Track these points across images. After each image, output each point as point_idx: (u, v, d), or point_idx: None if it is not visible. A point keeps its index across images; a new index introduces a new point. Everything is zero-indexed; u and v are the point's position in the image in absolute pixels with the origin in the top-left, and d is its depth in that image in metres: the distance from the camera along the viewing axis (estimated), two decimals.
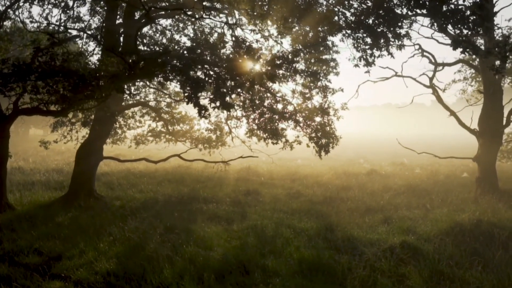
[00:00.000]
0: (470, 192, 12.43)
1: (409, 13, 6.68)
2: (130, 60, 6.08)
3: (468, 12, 6.06)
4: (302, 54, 11.84)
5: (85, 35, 13.40)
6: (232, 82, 6.93)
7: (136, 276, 6.01)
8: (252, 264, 6.29)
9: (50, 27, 14.09)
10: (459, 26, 6.28)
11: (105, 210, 10.37)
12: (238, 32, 15.79)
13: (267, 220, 9.68)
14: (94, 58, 15.58)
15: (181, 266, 6.20)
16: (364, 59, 8.47)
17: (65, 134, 15.53)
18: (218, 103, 6.08)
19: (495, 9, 12.60)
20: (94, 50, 14.17)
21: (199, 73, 6.97)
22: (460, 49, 6.54)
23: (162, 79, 7.62)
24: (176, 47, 13.22)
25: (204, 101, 7.93)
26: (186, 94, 5.83)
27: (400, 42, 7.87)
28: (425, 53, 14.77)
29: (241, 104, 13.37)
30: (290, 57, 10.89)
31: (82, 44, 14.53)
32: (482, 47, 13.30)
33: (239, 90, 7.09)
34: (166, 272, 5.97)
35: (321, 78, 12.08)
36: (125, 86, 8.76)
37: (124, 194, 12.73)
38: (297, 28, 11.71)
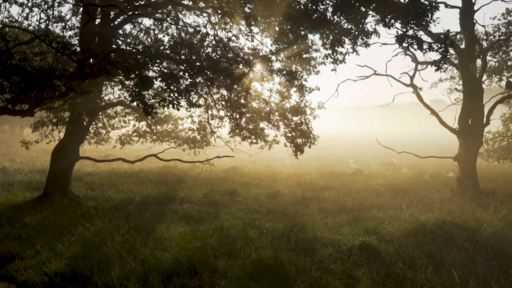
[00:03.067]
0: (450, 192, 12.27)
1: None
2: (77, 58, 6.00)
3: (406, 7, 5.93)
4: (282, 53, 11.77)
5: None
6: (191, 80, 6.84)
7: (83, 277, 5.94)
8: (203, 266, 6.18)
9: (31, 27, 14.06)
10: (400, 20, 6.15)
11: (77, 211, 10.29)
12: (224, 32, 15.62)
13: (238, 220, 9.58)
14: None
15: (130, 267, 6.11)
16: (331, 57, 8.34)
17: (47, 134, 15.49)
18: (167, 102, 6.01)
19: (476, 7, 12.47)
20: (75, 47, 14.14)
21: (156, 70, 6.88)
22: (405, 44, 6.43)
23: (123, 77, 7.52)
24: (159, 46, 13.17)
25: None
26: (129, 93, 5.77)
27: (365, 39, 7.73)
28: (408, 52, 14.66)
29: (224, 103, 13.36)
30: (268, 55, 10.83)
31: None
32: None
33: (193, 89, 6.98)
34: (113, 273, 5.88)
35: (298, 77, 11.99)
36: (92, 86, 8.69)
37: (102, 195, 12.66)
38: (277, 27, 11.62)
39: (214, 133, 15.44)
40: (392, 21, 6.20)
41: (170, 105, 5.96)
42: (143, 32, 16.83)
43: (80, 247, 7.21)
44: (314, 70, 13.94)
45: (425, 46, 6.30)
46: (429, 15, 5.85)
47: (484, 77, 17.18)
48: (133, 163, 12.82)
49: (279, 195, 12.70)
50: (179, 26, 16.00)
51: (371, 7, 6.43)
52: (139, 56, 6.80)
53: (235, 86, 10.96)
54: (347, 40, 7.70)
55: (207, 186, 14.64)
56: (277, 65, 12.20)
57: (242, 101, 12.67)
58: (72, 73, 6.69)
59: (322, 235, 7.87)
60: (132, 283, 5.63)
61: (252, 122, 12.93)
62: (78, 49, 9.59)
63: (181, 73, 6.49)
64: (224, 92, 12.89)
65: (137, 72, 5.78)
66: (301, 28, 8.11)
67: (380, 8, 6.20)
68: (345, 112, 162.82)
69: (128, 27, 16.82)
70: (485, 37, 14.97)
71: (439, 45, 6.20)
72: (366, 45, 7.87)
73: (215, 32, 14.20)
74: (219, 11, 8.62)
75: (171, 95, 5.98)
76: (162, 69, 7.00)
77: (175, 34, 15.86)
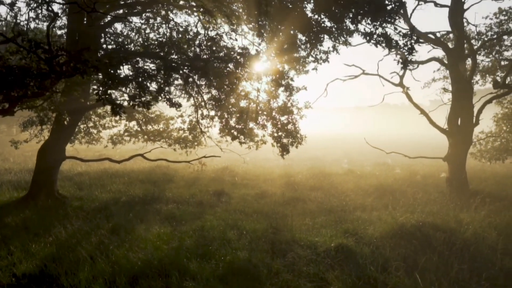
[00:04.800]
0: (439, 193, 12.13)
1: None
2: (44, 57, 5.92)
3: (368, 4, 5.82)
4: (271, 52, 11.69)
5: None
6: (166, 79, 6.75)
7: (51, 279, 5.86)
8: (174, 267, 6.10)
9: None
10: (367, 17, 6.03)
11: (60, 211, 10.23)
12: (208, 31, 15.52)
13: (220, 221, 9.49)
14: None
15: (100, 269, 6.03)
16: (312, 56, 8.24)
17: (36, 133, 15.47)
18: (137, 101, 5.93)
19: (465, 6, 12.33)
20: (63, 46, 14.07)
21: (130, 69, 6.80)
22: (373, 42, 6.31)
23: (101, 77, 7.44)
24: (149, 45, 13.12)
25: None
26: (96, 92, 5.67)
27: (346, 38, 7.61)
28: (398, 52, 14.50)
29: (213, 103, 13.30)
30: (248, 53, 10.77)
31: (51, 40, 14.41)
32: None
33: (167, 88, 6.90)
34: (81, 275, 5.80)
35: (285, 76, 11.91)
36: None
37: (89, 195, 12.60)
38: (268, 27, 11.52)
39: (204, 133, 15.36)
40: (359, 17, 6.09)
41: (141, 105, 5.88)
42: (134, 31, 16.76)
43: (54, 248, 7.14)
44: (303, 69, 13.84)
45: (393, 44, 6.19)
46: (393, 10, 5.72)
47: (478, 77, 17.04)
48: (120, 162, 12.75)
49: (267, 196, 12.61)
50: (170, 26, 15.93)
51: (340, 2, 6.30)
52: (113, 55, 6.72)
53: (217, 85, 10.89)
54: (327, 38, 7.59)
55: (196, 186, 14.57)
56: (265, 65, 12.16)
57: (232, 100, 12.64)
58: (44, 73, 6.61)
59: (301, 236, 7.77)
60: (99, 285, 5.55)
61: (242, 121, 12.85)
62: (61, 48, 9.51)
63: (154, 72, 6.40)
64: (214, 91, 12.84)
65: (105, 72, 5.69)
66: (281, 26, 8.00)
67: (347, 4, 6.08)
68: (348, 113, 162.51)
69: (119, 26, 16.79)
70: (477, 37, 14.82)
71: (404, 43, 6.09)
72: (347, 43, 7.75)
73: (205, 32, 14.13)
74: (201, 9, 8.51)
75: (142, 94, 5.89)
76: (138, 67, 6.91)
77: (166, 33, 15.81)
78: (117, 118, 16.26)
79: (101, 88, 5.58)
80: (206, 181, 15.92)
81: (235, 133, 12.56)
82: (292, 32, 11.07)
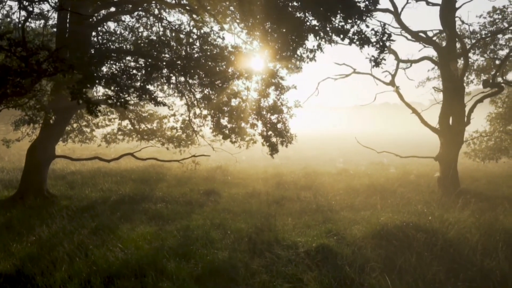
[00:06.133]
0: (430, 193, 12.07)
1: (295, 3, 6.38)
2: (20, 55, 5.88)
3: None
4: (263, 51, 11.65)
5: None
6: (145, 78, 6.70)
7: (27, 278, 5.83)
8: (151, 267, 6.06)
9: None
10: (336, 16, 5.97)
11: (48, 210, 10.20)
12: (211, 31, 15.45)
13: (207, 220, 9.44)
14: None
15: (77, 268, 6.00)
16: (298, 55, 8.17)
17: (28, 132, 15.46)
18: (115, 100, 5.88)
19: (457, 5, 12.24)
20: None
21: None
22: (347, 40, 6.24)
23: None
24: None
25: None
26: (70, 91, 5.63)
27: (330, 37, 7.52)
28: (391, 50, 14.42)
29: (206, 102, 13.27)
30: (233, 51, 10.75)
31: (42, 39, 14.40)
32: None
33: (150, 87, 6.85)
34: (56, 275, 5.77)
35: (275, 75, 11.87)
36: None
37: (79, 194, 12.57)
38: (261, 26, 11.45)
39: (197, 132, 15.31)
40: (332, 16, 6.02)
41: (118, 103, 5.83)
42: (128, 30, 16.68)
43: (35, 247, 7.11)
44: (295, 68, 13.76)
45: (366, 41, 6.11)
46: (367, 7, 5.63)
47: (473, 76, 16.94)
48: (109, 161, 12.73)
49: (257, 195, 12.56)
50: (163, 24, 15.86)
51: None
52: (95, 54, 6.68)
53: (208, 84, 10.86)
54: (312, 37, 7.52)
55: (188, 185, 14.53)
56: (256, 63, 12.11)
57: (225, 98, 12.63)
58: (23, 71, 6.57)
59: (284, 236, 7.72)
60: (73, 285, 5.52)
61: (233, 120, 12.82)
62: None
63: (134, 71, 6.36)
64: (206, 90, 12.80)
65: (82, 70, 5.64)
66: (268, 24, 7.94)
67: (320, 2, 6.01)
68: (347, 112, 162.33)
69: (113, 25, 16.75)
70: (471, 36, 14.71)
71: (376, 40, 6.01)
72: (332, 42, 7.65)
73: (197, 31, 14.08)
74: (187, 8, 8.46)
75: (120, 92, 5.84)
76: (120, 66, 6.87)
77: (159, 32, 15.75)
78: (113, 116, 16.24)
79: (75, 87, 5.54)
80: (198, 180, 15.90)
81: (227, 132, 12.54)
82: (284, 30, 11.03)
